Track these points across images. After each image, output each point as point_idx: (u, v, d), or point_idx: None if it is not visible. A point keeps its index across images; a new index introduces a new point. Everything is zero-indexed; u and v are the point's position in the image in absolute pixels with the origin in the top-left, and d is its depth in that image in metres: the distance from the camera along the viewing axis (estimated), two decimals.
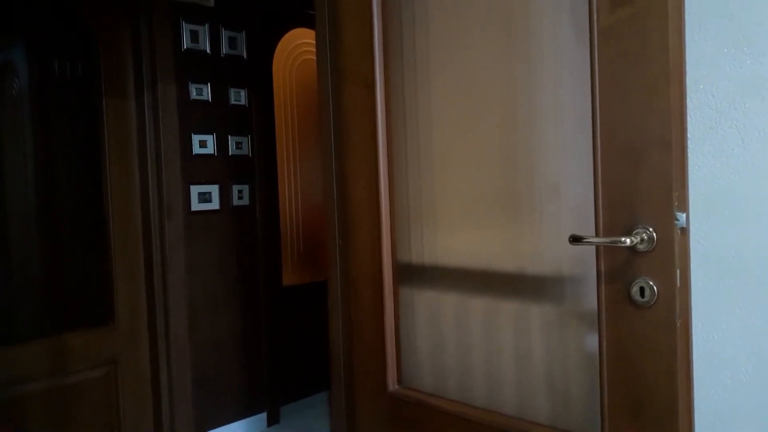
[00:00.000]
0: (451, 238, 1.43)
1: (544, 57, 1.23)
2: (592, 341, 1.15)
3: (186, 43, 2.88)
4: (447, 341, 1.44)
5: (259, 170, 3.19)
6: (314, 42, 1.65)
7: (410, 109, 1.48)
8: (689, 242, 1.04)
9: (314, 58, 1.69)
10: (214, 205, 3.00)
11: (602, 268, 1.09)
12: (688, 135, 1.04)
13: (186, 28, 2.88)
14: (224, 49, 3.03)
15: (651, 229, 1.02)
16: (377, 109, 1.48)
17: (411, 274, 1.51)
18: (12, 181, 2.46)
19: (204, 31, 2.95)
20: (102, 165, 2.67)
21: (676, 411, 1.01)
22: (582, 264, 1.17)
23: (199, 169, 2.93)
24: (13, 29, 2.45)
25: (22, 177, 2.49)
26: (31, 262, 2.52)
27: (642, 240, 1.02)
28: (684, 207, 1.02)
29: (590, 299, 1.14)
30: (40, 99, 2.52)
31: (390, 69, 1.49)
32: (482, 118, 1.34)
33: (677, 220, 1.00)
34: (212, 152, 2.98)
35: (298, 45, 3.61)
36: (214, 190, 2.99)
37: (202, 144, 2.94)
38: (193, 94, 2.90)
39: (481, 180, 1.35)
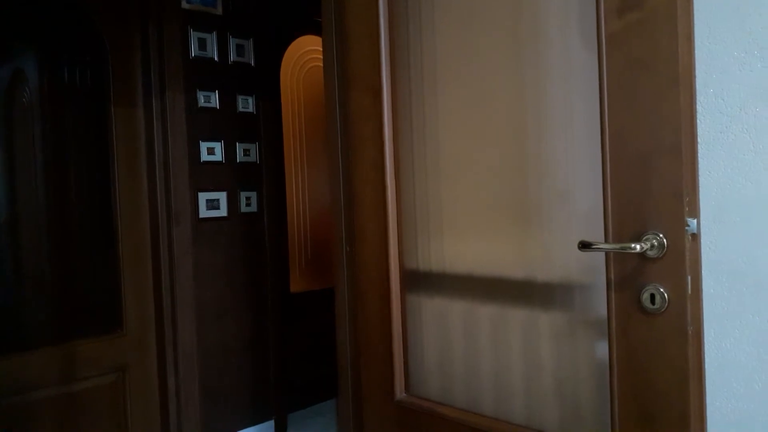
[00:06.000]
0: (459, 245, 1.42)
1: (552, 63, 1.22)
2: (601, 349, 1.13)
3: (194, 51, 2.89)
4: (455, 349, 1.43)
5: (266, 177, 3.19)
6: (321, 49, 1.65)
7: (417, 117, 1.47)
8: (700, 248, 1.03)
9: (321, 65, 1.69)
10: (222, 212, 3.00)
11: (612, 275, 1.08)
12: (699, 140, 1.03)
13: (194, 36, 2.89)
14: (232, 57, 3.05)
15: (661, 235, 1.01)
16: (384, 116, 1.48)
17: (419, 281, 1.51)
18: (22, 189, 2.47)
19: (212, 39, 2.96)
20: (111, 172, 2.68)
21: (688, 420, 1.00)
22: (591, 271, 1.16)
23: (207, 176, 2.94)
24: (25, 38, 2.47)
25: (33, 185, 2.50)
26: (40, 269, 2.53)
27: (652, 246, 1.01)
28: (695, 213, 1.01)
29: (600, 306, 1.13)
30: (50, 107, 2.54)
31: (397, 76, 1.49)
32: (490, 124, 1.34)
33: (688, 226, 0.99)
34: (220, 159, 2.99)
35: (305, 52, 3.62)
36: (222, 197, 3.00)
37: (210, 151, 2.95)
38: (201, 102, 2.91)
39: (489, 187, 1.34)
